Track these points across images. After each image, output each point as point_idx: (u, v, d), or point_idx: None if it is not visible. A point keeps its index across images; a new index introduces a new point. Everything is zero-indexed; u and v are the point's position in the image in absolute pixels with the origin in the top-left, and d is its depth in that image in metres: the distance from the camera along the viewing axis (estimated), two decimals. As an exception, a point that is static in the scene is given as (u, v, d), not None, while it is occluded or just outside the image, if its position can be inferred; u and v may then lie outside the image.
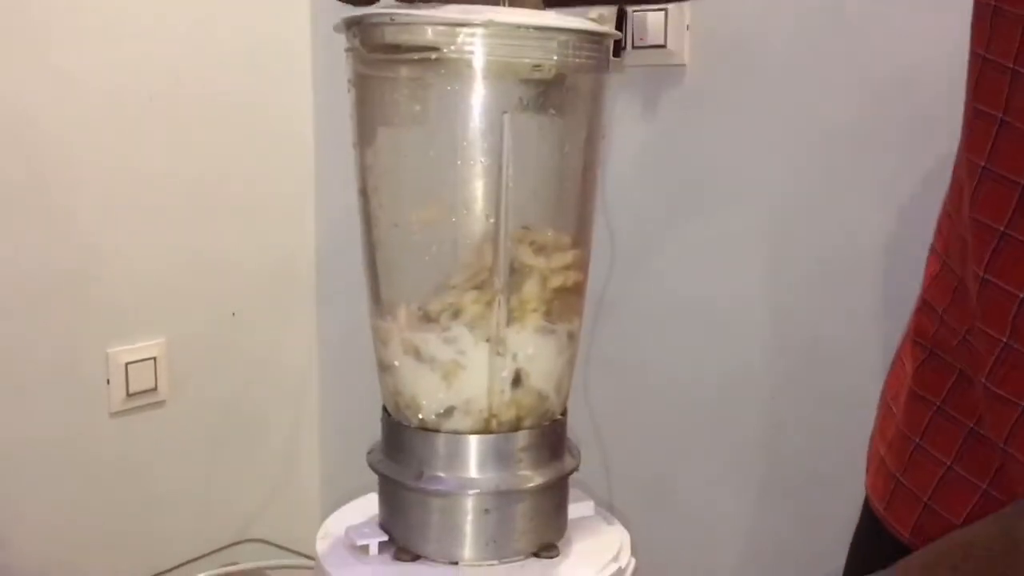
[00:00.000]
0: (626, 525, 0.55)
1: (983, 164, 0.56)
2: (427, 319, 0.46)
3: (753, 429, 1.30)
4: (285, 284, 1.63)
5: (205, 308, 1.50)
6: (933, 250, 0.70)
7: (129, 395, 1.42)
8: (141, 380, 1.43)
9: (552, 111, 0.45)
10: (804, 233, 1.23)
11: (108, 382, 1.39)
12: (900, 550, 0.65)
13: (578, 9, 1.26)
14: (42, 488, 1.34)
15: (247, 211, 1.54)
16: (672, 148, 1.32)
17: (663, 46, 1.28)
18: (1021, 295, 0.54)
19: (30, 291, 1.30)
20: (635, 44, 1.30)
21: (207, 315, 1.50)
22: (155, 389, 1.45)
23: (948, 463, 0.63)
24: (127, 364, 1.41)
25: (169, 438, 1.47)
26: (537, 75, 0.44)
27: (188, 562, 1.15)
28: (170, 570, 1.05)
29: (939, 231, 0.69)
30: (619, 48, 1.30)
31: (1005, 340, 0.55)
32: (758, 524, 1.31)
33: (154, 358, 1.44)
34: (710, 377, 1.32)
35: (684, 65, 1.29)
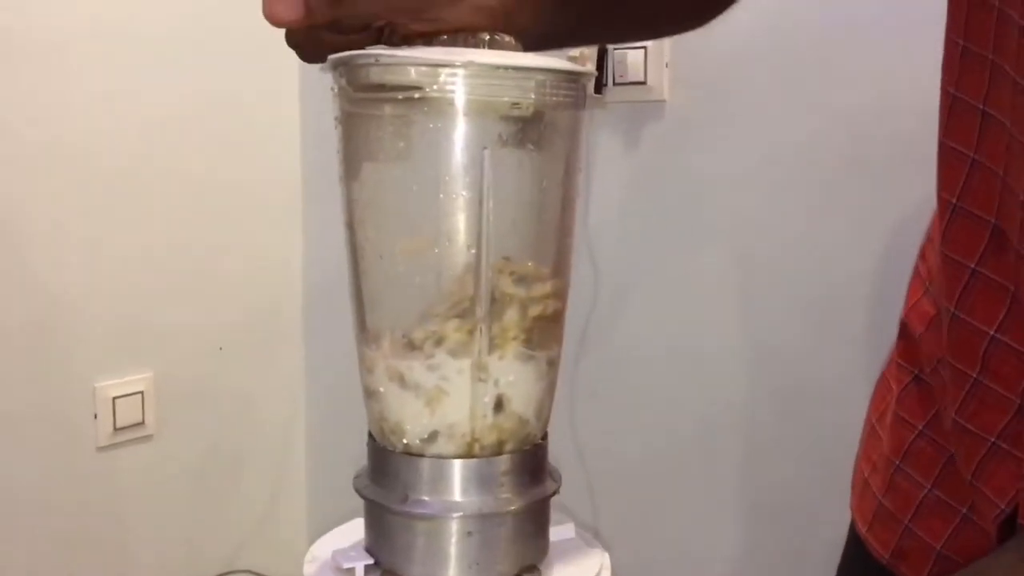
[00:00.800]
0: (610, 550, 0.56)
1: (954, 201, 0.57)
2: (411, 347, 0.47)
3: (736, 455, 1.31)
4: (272, 318, 1.65)
5: (192, 342, 1.51)
6: (917, 274, 0.71)
7: (116, 429, 1.42)
8: (128, 414, 1.44)
9: (531, 146, 0.47)
10: (785, 265, 1.26)
11: (95, 416, 1.40)
12: (881, 572, 0.66)
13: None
14: (29, 522, 1.35)
15: (235, 247, 1.56)
16: (653, 182, 1.34)
17: (643, 83, 1.32)
18: (991, 332, 0.55)
19: (17, 325, 1.31)
20: (616, 81, 1.33)
21: (194, 349, 1.51)
22: (142, 423, 1.46)
23: (928, 487, 0.64)
24: (114, 398, 1.42)
25: (157, 471, 1.48)
26: (516, 113, 0.46)
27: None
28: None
29: (923, 257, 0.70)
30: (600, 85, 1.33)
31: (975, 376, 0.56)
32: (741, 549, 1.32)
33: (141, 392, 1.45)
34: (693, 404, 1.34)
35: (664, 101, 1.32)
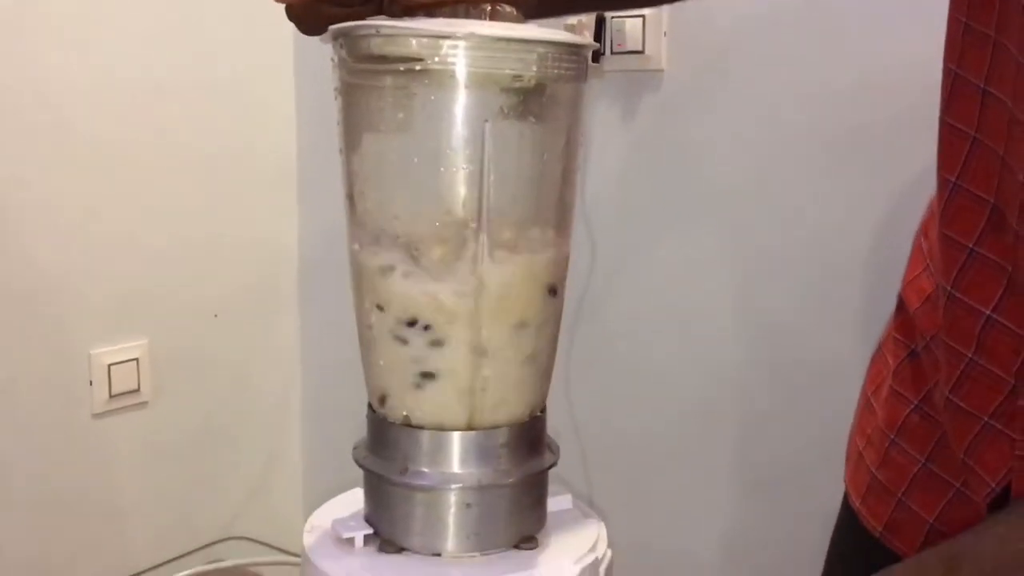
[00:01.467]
0: (604, 518, 0.57)
1: (954, 180, 0.57)
2: (413, 320, 0.47)
3: (731, 427, 1.32)
4: (267, 286, 1.64)
5: (187, 310, 1.51)
6: (918, 249, 0.71)
7: (112, 396, 1.42)
8: (124, 381, 1.44)
9: (532, 119, 0.47)
10: (782, 236, 1.26)
11: (91, 383, 1.40)
12: (874, 544, 0.67)
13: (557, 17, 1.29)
14: (26, 487, 1.35)
15: (230, 214, 1.56)
16: (651, 152, 1.34)
17: (641, 52, 1.31)
18: (987, 312, 0.55)
19: (13, 292, 1.31)
20: (614, 50, 1.32)
21: (189, 317, 1.51)
22: (138, 390, 1.46)
23: (922, 461, 0.64)
24: (110, 365, 1.42)
25: (152, 438, 1.48)
26: (517, 85, 0.46)
27: (171, 560, 1.16)
28: (154, 568, 1.06)
29: (925, 233, 0.70)
30: (598, 54, 1.32)
31: (970, 355, 0.56)
32: (735, 520, 1.34)
33: (136, 359, 1.45)
34: (688, 375, 1.35)
35: (662, 70, 1.31)
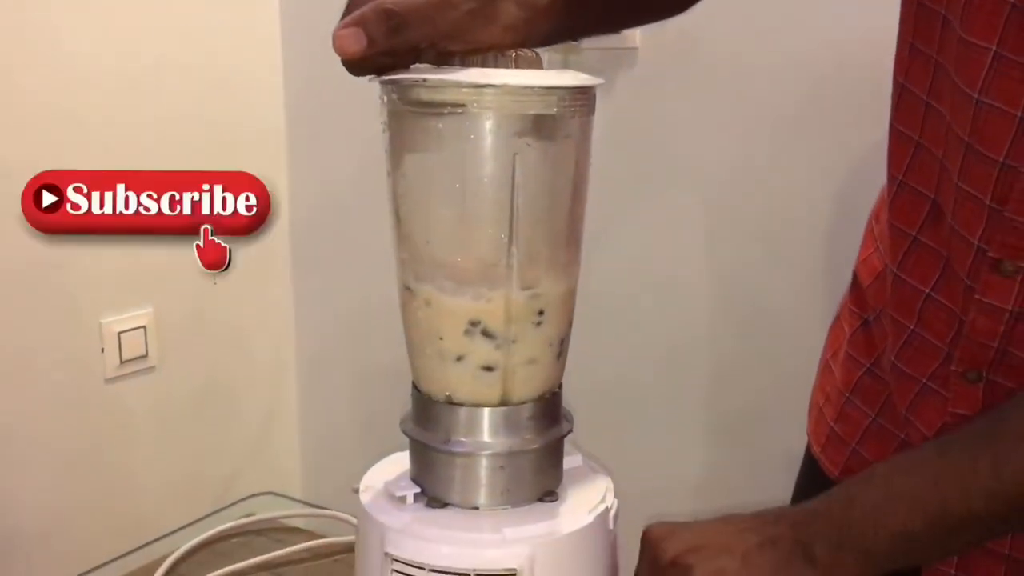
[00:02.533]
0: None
1: (901, 177, 0.67)
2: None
3: (702, 376, 1.43)
4: (261, 251, 1.71)
5: (188, 278, 1.57)
6: (870, 232, 0.81)
7: (122, 362, 1.50)
8: (132, 348, 1.51)
9: (552, 148, 0.56)
10: (748, 208, 1.36)
11: (102, 351, 1.48)
12: (831, 486, 0.78)
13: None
14: (44, 451, 1.43)
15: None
16: (625, 127, 1.42)
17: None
18: (926, 291, 0.65)
19: (27, 269, 1.37)
20: (590, 28, 1.40)
21: (190, 284, 1.58)
22: (146, 356, 1.53)
23: (873, 416, 0.75)
24: (119, 333, 1.49)
25: (160, 400, 1.56)
26: (540, 121, 0.55)
27: (208, 515, 1.25)
28: (191, 523, 1.16)
29: (876, 218, 0.80)
30: (576, 32, 1.40)
31: (912, 327, 0.67)
32: (706, 461, 1.45)
33: (144, 327, 1.53)
34: (663, 330, 1.45)
35: (636, 48, 1.39)
